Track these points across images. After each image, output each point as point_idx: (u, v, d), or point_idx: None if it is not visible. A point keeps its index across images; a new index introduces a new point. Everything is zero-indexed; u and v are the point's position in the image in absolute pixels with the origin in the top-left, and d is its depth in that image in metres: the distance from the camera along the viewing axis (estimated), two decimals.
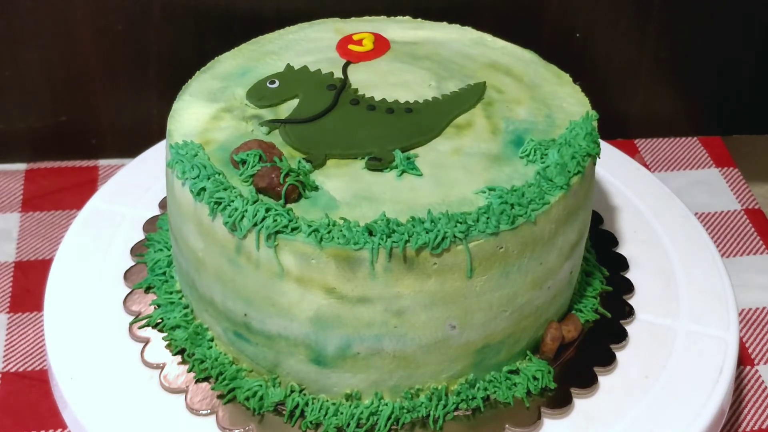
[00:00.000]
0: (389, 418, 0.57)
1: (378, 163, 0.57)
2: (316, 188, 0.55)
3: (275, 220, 0.52)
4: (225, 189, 0.54)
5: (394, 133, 0.59)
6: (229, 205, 0.53)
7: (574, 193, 0.57)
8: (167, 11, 0.82)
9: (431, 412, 0.57)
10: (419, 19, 0.71)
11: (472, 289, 0.54)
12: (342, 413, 0.57)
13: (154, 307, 0.63)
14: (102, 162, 0.89)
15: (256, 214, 0.53)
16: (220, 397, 0.58)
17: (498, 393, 0.58)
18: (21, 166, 0.88)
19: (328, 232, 0.52)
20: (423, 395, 0.57)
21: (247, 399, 0.58)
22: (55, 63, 0.83)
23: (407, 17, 0.72)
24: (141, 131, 0.80)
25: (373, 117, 0.60)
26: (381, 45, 0.67)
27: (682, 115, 0.93)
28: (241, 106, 0.62)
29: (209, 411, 0.58)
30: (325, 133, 0.59)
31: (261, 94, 0.62)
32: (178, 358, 0.61)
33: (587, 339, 0.62)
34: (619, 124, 0.92)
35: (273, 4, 0.81)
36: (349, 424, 0.56)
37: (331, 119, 0.60)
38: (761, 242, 0.81)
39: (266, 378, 0.58)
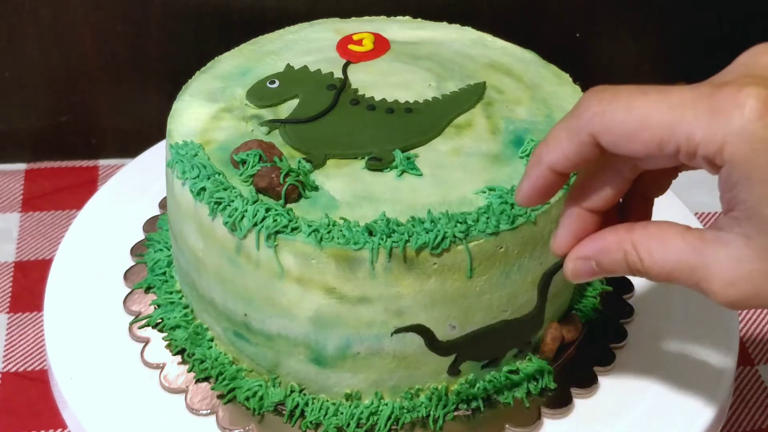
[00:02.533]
0: (389, 418, 0.57)
1: (378, 163, 0.57)
2: (316, 188, 0.55)
3: (275, 220, 0.52)
4: (225, 189, 0.54)
5: (394, 133, 0.59)
6: (229, 205, 0.53)
7: None
8: (167, 11, 0.82)
9: (431, 412, 0.57)
10: (419, 19, 0.71)
11: (472, 289, 0.54)
12: (342, 413, 0.57)
13: (154, 307, 0.63)
14: (102, 162, 0.89)
15: (256, 214, 0.53)
16: (220, 397, 0.58)
17: (498, 393, 0.58)
18: (21, 166, 0.89)
19: (328, 232, 0.52)
20: (423, 395, 0.57)
21: (247, 399, 0.58)
22: (55, 63, 0.84)
23: (407, 17, 0.72)
24: (141, 131, 0.80)
25: (373, 117, 0.60)
26: (381, 45, 0.67)
27: None
28: (241, 106, 0.62)
29: (209, 411, 0.58)
30: (325, 133, 0.59)
31: (261, 94, 0.62)
32: (178, 358, 0.61)
33: (587, 339, 0.62)
34: None
35: (273, 4, 0.82)
36: (349, 424, 0.56)
37: (331, 119, 0.60)
38: None
39: (266, 378, 0.58)
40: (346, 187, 0.55)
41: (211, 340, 0.60)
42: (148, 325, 0.63)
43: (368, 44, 0.66)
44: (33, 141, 0.88)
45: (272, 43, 0.68)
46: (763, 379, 0.71)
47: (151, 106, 0.86)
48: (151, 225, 0.70)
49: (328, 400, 0.57)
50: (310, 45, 0.68)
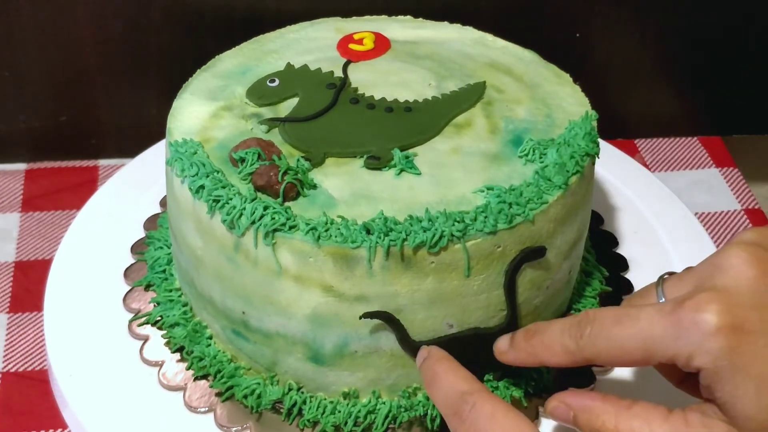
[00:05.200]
0: (387, 416, 0.57)
1: (377, 162, 0.57)
2: (314, 186, 0.55)
3: (273, 218, 0.52)
4: (224, 187, 0.54)
5: (393, 132, 0.59)
6: (228, 203, 0.53)
7: (572, 192, 0.57)
8: (167, 11, 0.82)
9: (429, 411, 0.57)
10: (420, 19, 0.71)
11: (470, 288, 0.54)
12: (340, 411, 0.57)
13: (154, 305, 0.63)
14: (102, 162, 0.89)
15: (254, 212, 0.53)
16: (218, 394, 0.58)
17: (496, 392, 0.58)
18: (21, 166, 0.88)
19: (326, 231, 0.52)
20: (421, 394, 0.57)
21: (245, 397, 0.58)
22: (55, 63, 0.83)
23: (408, 17, 0.72)
24: (141, 131, 0.80)
25: (373, 116, 0.60)
26: (381, 44, 0.67)
27: (682, 115, 0.93)
28: (241, 104, 0.62)
29: (207, 408, 0.58)
30: (324, 131, 0.59)
31: (261, 92, 0.62)
32: (177, 355, 0.61)
33: None
34: (619, 124, 0.92)
35: (273, 4, 0.81)
36: (346, 423, 0.56)
37: (331, 118, 0.60)
38: None
39: (264, 376, 0.58)
40: (344, 186, 0.55)
41: (210, 338, 0.60)
42: (147, 323, 0.63)
43: (369, 43, 0.67)
44: (33, 141, 0.88)
45: (273, 41, 0.68)
46: None
47: (151, 105, 0.86)
48: (151, 223, 0.70)
49: (325, 399, 0.57)
50: (310, 44, 0.68)
